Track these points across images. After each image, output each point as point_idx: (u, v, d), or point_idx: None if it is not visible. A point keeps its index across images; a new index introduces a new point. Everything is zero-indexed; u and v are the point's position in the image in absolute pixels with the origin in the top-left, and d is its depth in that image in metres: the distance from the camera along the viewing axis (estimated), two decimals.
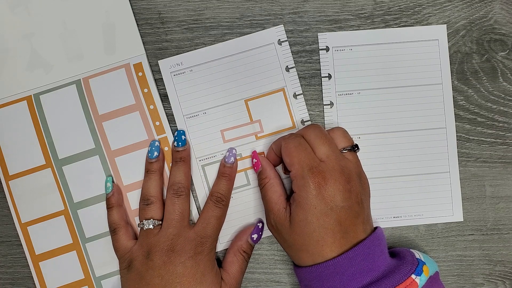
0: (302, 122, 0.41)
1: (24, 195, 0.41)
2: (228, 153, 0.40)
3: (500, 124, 0.42)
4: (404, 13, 0.42)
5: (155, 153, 0.40)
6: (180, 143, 0.40)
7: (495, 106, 0.42)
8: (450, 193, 0.41)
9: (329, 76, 0.41)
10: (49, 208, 0.41)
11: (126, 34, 0.41)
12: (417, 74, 0.41)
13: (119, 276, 0.39)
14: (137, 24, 0.42)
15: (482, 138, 0.42)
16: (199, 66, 0.41)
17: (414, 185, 0.41)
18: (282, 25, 0.42)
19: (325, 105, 0.41)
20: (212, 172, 0.41)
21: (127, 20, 0.42)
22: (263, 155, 0.41)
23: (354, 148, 0.37)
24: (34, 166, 0.41)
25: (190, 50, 0.42)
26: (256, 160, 0.39)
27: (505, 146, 0.42)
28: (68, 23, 0.42)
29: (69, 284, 0.40)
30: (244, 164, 0.41)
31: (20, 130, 0.41)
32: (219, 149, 0.41)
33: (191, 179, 0.41)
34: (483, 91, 0.42)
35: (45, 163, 0.41)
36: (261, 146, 0.41)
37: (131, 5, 0.42)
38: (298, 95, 0.41)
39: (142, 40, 0.42)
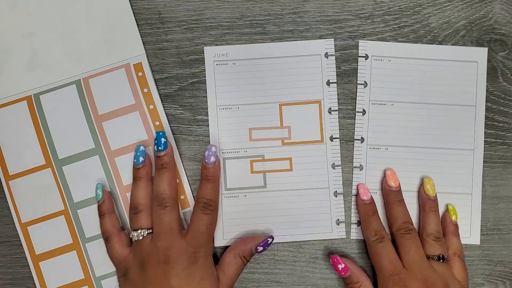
0: (331, 138, 0.41)
1: (24, 195, 0.41)
2: (207, 152, 0.38)
3: (500, 124, 0.42)
4: (404, 13, 0.42)
5: (141, 159, 0.38)
6: (160, 147, 0.38)
7: (495, 106, 0.42)
8: (470, 215, 0.41)
9: (365, 84, 0.41)
10: (49, 208, 0.41)
11: (126, 34, 0.41)
12: (452, 94, 0.41)
13: None
14: (137, 24, 0.42)
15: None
16: (243, 61, 0.41)
17: None
18: (333, 39, 0.41)
19: (357, 112, 0.41)
20: (233, 167, 0.41)
21: (127, 20, 0.42)
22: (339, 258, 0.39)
23: (441, 259, 0.37)
24: (34, 166, 0.41)
25: (190, 50, 0.42)
26: (343, 265, 0.38)
27: (505, 146, 0.42)
28: (68, 23, 0.42)
29: (69, 284, 0.40)
30: (264, 166, 0.41)
31: (20, 130, 0.41)
32: (244, 146, 0.41)
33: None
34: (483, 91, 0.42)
35: (45, 163, 0.41)
36: (285, 152, 0.41)
37: (131, 5, 0.42)
38: (334, 111, 0.41)
39: (142, 40, 0.42)
